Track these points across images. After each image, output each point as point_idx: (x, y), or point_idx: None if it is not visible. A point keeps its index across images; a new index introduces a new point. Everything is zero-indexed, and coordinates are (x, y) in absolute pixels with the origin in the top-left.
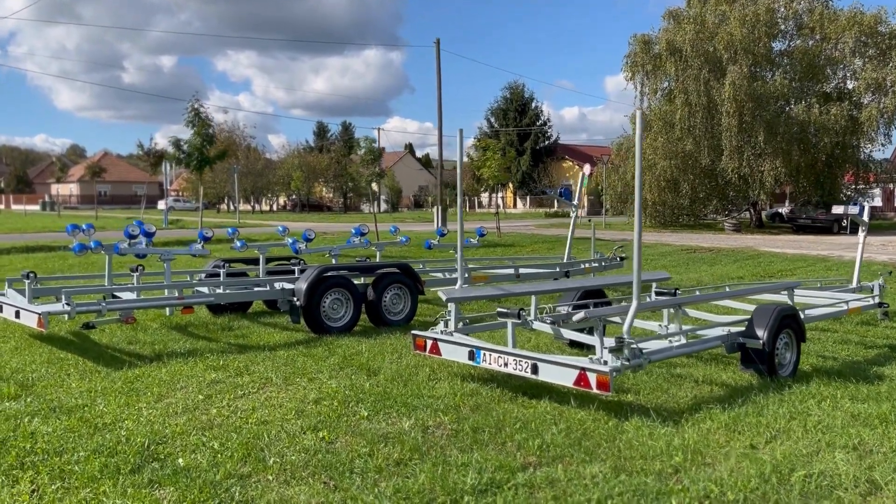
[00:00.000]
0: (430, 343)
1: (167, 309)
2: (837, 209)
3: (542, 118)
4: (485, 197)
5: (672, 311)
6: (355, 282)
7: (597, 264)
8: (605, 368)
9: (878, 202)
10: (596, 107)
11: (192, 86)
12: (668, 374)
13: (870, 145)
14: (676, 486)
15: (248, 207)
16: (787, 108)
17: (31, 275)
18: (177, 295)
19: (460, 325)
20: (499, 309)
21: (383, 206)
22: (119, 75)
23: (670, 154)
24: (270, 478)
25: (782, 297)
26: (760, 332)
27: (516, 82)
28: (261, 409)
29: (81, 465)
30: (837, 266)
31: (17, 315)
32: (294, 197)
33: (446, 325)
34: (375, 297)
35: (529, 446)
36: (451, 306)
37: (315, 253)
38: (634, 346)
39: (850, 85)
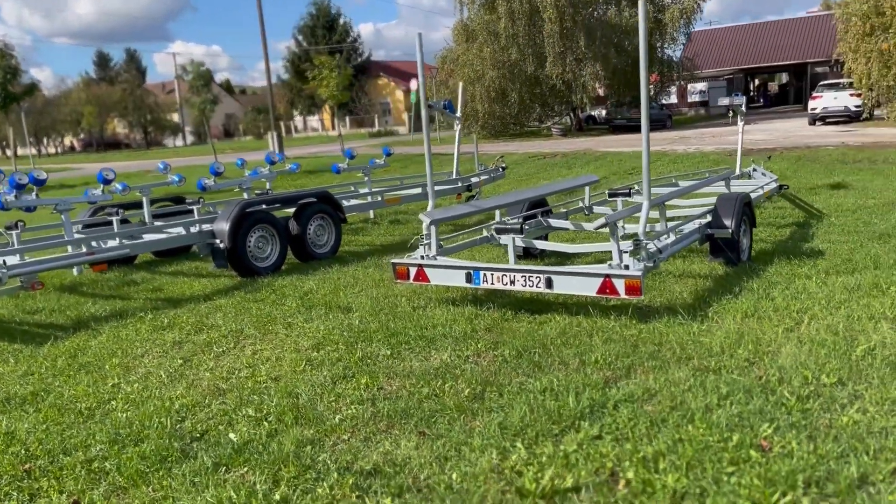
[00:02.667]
0: (414, 270)
1: (75, 269)
2: (723, 100)
3: (353, 35)
4: (299, 121)
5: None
6: (277, 215)
7: (486, 176)
8: (637, 273)
9: (673, 99)
10: (412, 21)
11: None
12: (653, 273)
13: (672, 45)
14: (772, 377)
15: (31, 152)
16: (604, 13)
17: None
18: (85, 250)
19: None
20: (496, 225)
21: (189, 138)
22: None
23: (498, 64)
24: (347, 437)
25: (721, 189)
26: (728, 222)
27: None
28: (260, 364)
29: (112, 460)
30: (682, 159)
31: None
32: (83, 136)
33: (427, 250)
34: (300, 231)
35: (591, 362)
36: (433, 229)
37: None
38: (652, 247)
39: None
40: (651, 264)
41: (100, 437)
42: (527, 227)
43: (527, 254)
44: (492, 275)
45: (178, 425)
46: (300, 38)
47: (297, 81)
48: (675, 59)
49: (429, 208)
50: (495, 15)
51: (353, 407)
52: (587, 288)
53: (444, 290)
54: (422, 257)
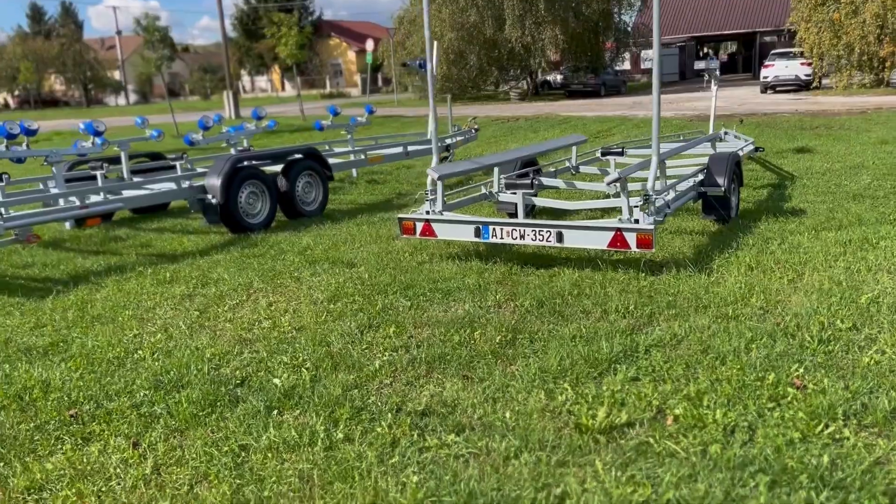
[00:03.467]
0: (420, 225)
1: (67, 223)
2: (699, 64)
3: None
4: (247, 81)
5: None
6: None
7: (462, 137)
8: (648, 226)
9: (627, 66)
10: None
11: None
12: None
13: (629, 11)
14: (790, 323)
15: None
16: None
17: None
18: (78, 204)
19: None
20: (506, 181)
21: (132, 97)
22: None
23: (456, 25)
24: (389, 381)
25: (707, 150)
26: (721, 180)
27: None
28: (279, 316)
29: (160, 405)
30: (644, 123)
31: None
32: (18, 93)
33: (432, 205)
34: (289, 187)
35: (612, 311)
36: (439, 184)
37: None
38: (660, 202)
39: None
40: (660, 219)
41: (140, 384)
42: (537, 182)
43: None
44: (501, 229)
45: (215, 372)
46: None
47: (246, 40)
48: (629, 25)
49: (433, 164)
50: None
51: (387, 354)
52: (598, 241)
53: (446, 245)
54: (427, 212)
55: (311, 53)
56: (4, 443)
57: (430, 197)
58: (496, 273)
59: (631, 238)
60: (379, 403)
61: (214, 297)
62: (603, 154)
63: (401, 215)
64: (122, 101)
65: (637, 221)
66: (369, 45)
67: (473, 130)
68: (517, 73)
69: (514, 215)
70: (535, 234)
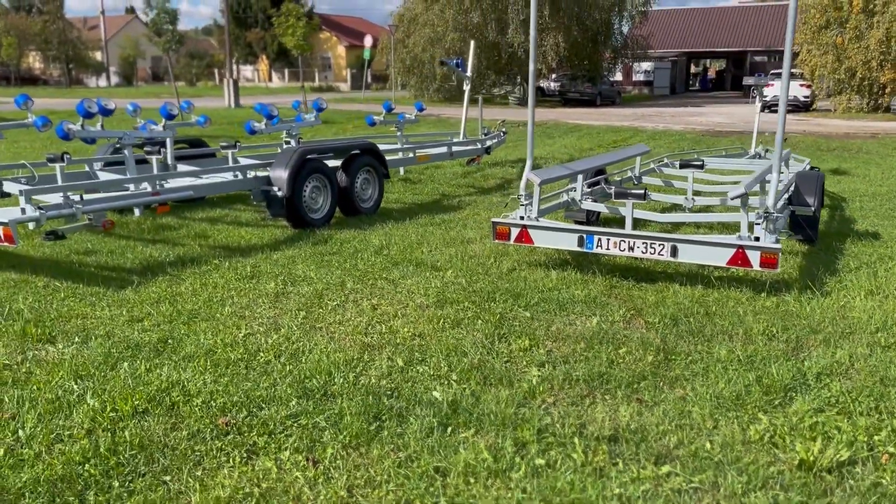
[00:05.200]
0: (516, 231)
1: (136, 210)
2: (748, 80)
3: None
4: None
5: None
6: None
7: (496, 140)
8: (774, 245)
9: (619, 77)
10: None
11: None
12: None
13: (630, 23)
14: None
15: None
16: None
17: None
18: (150, 189)
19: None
20: (616, 190)
21: (114, 80)
22: None
23: (459, 27)
24: (552, 400)
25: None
26: (811, 200)
27: None
28: (391, 320)
29: (317, 416)
30: (659, 136)
31: None
32: None
33: (527, 210)
34: (348, 183)
35: (757, 333)
36: (536, 190)
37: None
38: (781, 219)
39: None
40: (778, 236)
41: (284, 390)
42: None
43: (587, 219)
44: (608, 240)
45: (360, 381)
46: None
47: (236, 27)
48: (627, 37)
49: (527, 167)
50: None
51: (535, 368)
52: (717, 258)
53: (528, 251)
54: (521, 218)
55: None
56: (164, 453)
57: (525, 202)
58: (599, 285)
59: (754, 256)
60: (557, 425)
61: (311, 296)
62: (682, 166)
63: (495, 219)
64: (102, 82)
65: (757, 239)
66: (367, 40)
67: (502, 133)
68: (515, 79)
69: (583, 223)
70: (645, 247)
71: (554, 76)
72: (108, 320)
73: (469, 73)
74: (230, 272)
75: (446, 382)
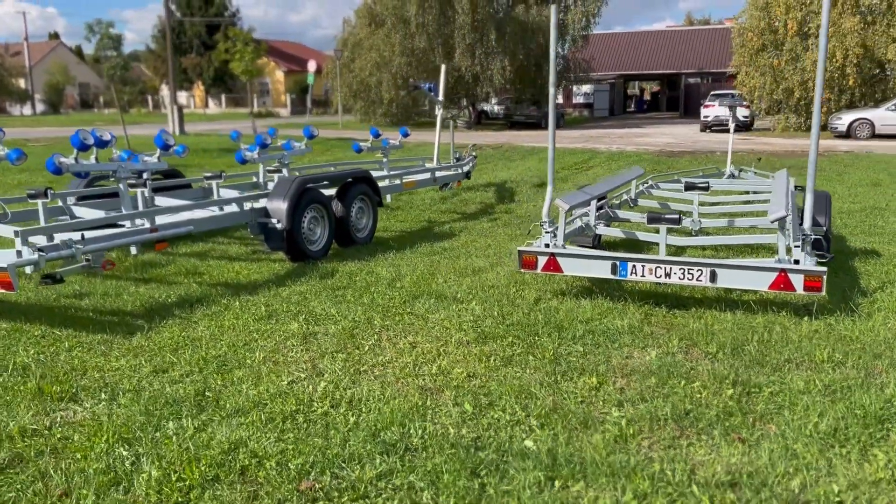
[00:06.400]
0: (544, 259)
1: (133, 247)
2: (725, 102)
3: (231, 9)
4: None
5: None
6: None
7: (470, 165)
8: (818, 268)
9: (560, 99)
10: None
11: None
12: None
13: (573, 46)
14: None
15: None
16: (513, 9)
17: None
18: (148, 226)
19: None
20: (650, 215)
21: (39, 107)
22: None
23: (406, 51)
24: (646, 443)
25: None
26: (822, 220)
27: None
28: (436, 359)
29: (410, 475)
30: (616, 157)
31: None
32: None
33: (553, 238)
34: (344, 213)
35: (822, 360)
36: (562, 215)
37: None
38: (818, 240)
39: None
40: (816, 259)
41: (359, 446)
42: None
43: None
44: (643, 266)
45: (436, 431)
46: (173, 7)
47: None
48: (569, 60)
49: (548, 193)
50: (397, 1)
51: (613, 409)
52: (758, 282)
53: (547, 279)
54: (546, 245)
55: None
56: None
57: (549, 229)
58: (634, 313)
59: (797, 280)
60: (668, 472)
61: (342, 336)
62: (687, 188)
63: (521, 248)
64: (27, 110)
65: (797, 262)
66: (311, 65)
67: (473, 157)
68: (461, 102)
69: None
70: (683, 273)
71: (496, 100)
72: (129, 372)
73: (441, 98)
74: (244, 313)
75: (527, 428)
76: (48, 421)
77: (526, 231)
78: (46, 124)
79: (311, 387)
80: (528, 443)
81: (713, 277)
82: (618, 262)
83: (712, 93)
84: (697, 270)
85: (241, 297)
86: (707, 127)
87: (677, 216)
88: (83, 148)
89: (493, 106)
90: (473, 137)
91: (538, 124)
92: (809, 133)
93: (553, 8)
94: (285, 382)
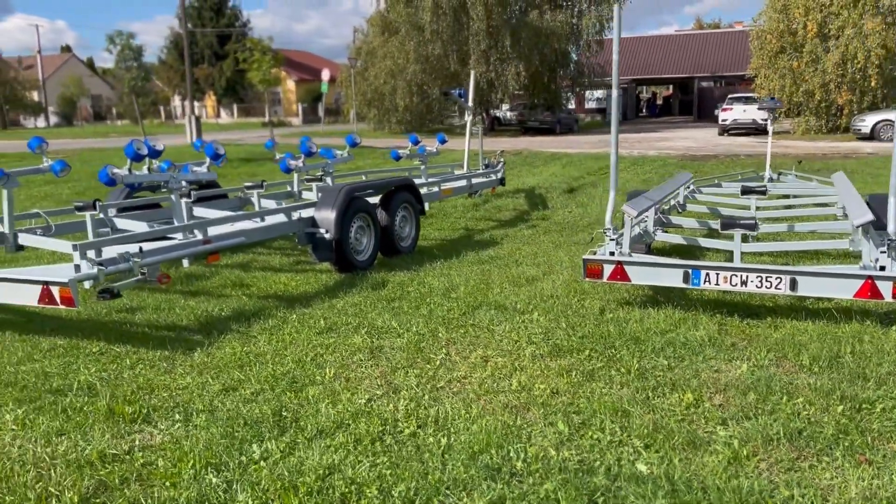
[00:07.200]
0: (610, 268)
1: (185, 260)
2: (763, 104)
3: (242, 19)
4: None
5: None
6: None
7: (502, 172)
8: None
9: (572, 105)
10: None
11: None
12: None
13: (587, 52)
14: None
15: None
16: (527, 15)
17: None
18: (200, 237)
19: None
20: (723, 221)
21: (53, 119)
22: None
23: (420, 59)
24: (764, 465)
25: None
26: (892, 227)
27: None
28: (512, 374)
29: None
30: (642, 162)
31: None
32: None
33: (618, 245)
34: (389, 221)
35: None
36: (628, 223)
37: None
38: None
39: None
40: None
41: (460, 470)
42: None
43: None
44: (717, 274)
45: (537, 454)
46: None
47: (182, 64)
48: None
49: (610, 198)
50: (412, 8)
51: (719, 428)
52: (842, 290)
53: (608, 288)
54: (611, 253)
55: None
56: None
57: (613, 237)
58: (708, 322)
59: (885, 288)
60: (798, 498)
61: (409, 350)
62: (743, 192)
63: (587, 257)
64: (41, 122)
65: (883, 268)
66: (325, 74)
67: (501, 164)
68: (476, 109)
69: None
70: (760, 281)
71: (508, 106)
72: (197, 390)
73: (470, 104)
74: (303, 326)
75: (633, 450)
76: (126, 445)
77: (570, 239)
78: (62, 136)
79: (391, 405)
80: (641, 466)
81: (793, 285)
82: (690, 271)
83: (730, 96)
84: (776, 278)
85: (296, 310)
86: (725, 130)
87: (753, 221)
88: (137, 158)
89: (505, 112)
90: (489, 143)
91: (552, 130)
92: (831, 135)
93: (616, 8)
94: (363, 400)
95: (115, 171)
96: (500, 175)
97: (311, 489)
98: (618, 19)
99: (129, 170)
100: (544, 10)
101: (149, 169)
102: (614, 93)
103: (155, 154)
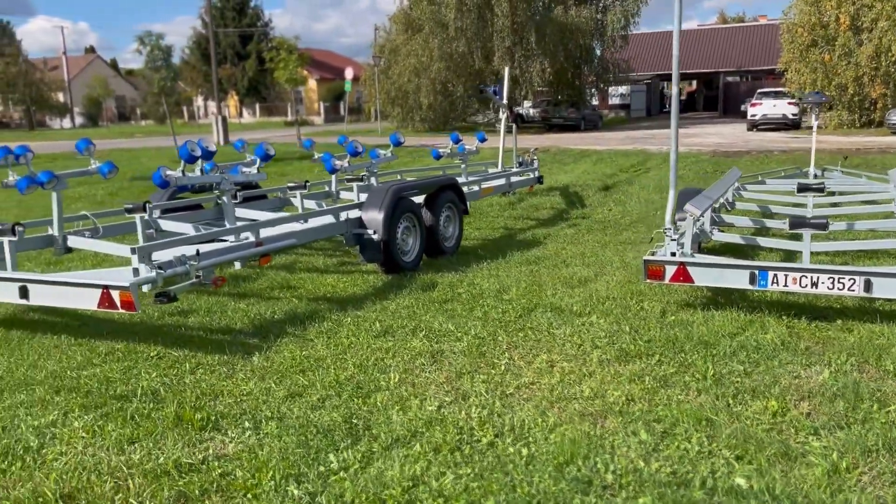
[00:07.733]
0: (672, 269)
1: (237, 262)
2: (809, 98)
3: (263, 19)
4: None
5: None
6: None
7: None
8: None
9: (595, 101)
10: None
11: None
12: None
13: (612, 47)
14: None
15: None
16: (552, 10)
17: (18, 228)
18: (253, 239)
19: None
20: (792, 220)
21: (78, 120)
22: None
23: (444, 56)
24: (866, 478)
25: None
26: None
27: None
28: (583, 379)
29: None
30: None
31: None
32: None
33: (680, 246)
34: (434, 221)
35: None
36: (689, 222)
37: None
38: None
39: None
40: None
41: (547, 483)
42: (824, 220)
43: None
44: (786, 276)
45: (628, 466)
46: (207, 19)
47: (204, 64)
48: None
49: (670, 197)
50: (435, 5)
51: (811, 438)
52: None
53: (665, 289)
54: (672, 254)
55: (272, 81)
56: None
57: (673, 237)
58: (776, 325)
59: None
60: None
61: (471, 354)
62: (800, 190)
63: (647, 258)
64: (66, 123)
65: None
66: (348, 73)
67: (535, 161)
68: (495, 105)
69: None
70: (833, 282)
71: (530, 103)
72: (262, 396)
73: (505, 101)
74: (358, 329)
75: (725, 461)
76: (200, 454)
77: (615, 239)
78: (92, 137)
79: (462, 412)
80: (739, 480)
81: (867, 287)
82: (757, 272)
83: (759, 91)
84: (849, 279)
85: (349, 312)
86: (754, 126)
87: (824, 221)
88: (191, 160)
89: (528, 109)
90: (521, 141)
91: (577, 126)
92: (864, 130)
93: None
94: (433, 407)
95: (169, 172)
96: (536, 173)
97: (399, 502)
98: (678, 9)
99: (183, 171)
100: (569, 5)
101: (200, 170)
102: (675, 89)
103: (209, 155)
